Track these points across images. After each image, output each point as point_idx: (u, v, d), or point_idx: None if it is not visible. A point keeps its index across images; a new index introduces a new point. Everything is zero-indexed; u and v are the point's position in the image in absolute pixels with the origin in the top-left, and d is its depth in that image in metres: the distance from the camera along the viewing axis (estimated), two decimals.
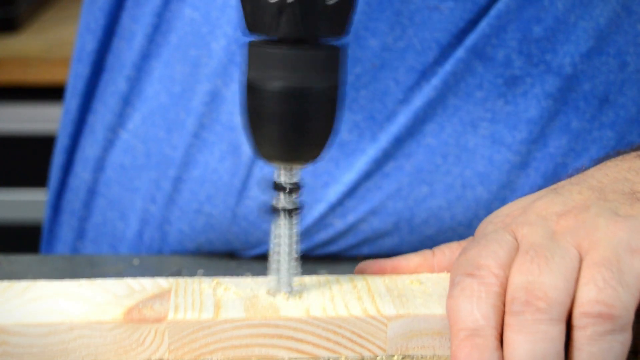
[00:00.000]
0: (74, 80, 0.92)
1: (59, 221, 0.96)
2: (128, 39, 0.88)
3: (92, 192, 0.91)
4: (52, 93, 1.75)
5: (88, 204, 0.92)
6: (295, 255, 0.65)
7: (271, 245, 0.66)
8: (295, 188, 0.64)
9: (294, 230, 0.65)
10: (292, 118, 0.61)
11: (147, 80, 0.87)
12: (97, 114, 0.90)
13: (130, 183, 0.88)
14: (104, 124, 0.89)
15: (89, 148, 0.91)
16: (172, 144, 0.86)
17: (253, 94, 0.62)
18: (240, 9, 0.62)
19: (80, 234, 0.93)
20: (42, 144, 1.74)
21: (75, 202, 0.93)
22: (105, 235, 0.91)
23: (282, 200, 0.65)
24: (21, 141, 1.84)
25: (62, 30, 1.88)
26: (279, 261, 0.65)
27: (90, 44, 0.90)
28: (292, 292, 0.65)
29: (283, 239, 0.65)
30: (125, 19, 0.88)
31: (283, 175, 0.64)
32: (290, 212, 0.65)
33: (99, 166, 0.90)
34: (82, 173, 0.92)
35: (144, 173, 0.87)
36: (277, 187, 0.64)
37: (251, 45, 0.62)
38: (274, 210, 0.65)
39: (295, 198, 0.65)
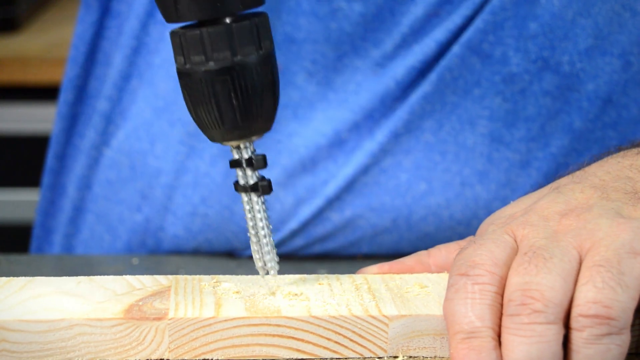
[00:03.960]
0: (61, 107, 0.93)
1: (49, 240, 0.96)
2: (108, 64, 0.89)
3: (78, 209, 0.92)
4: (52, 93, 1.73)
5: (75, 220, 0.92)
6: (263, 231, 0.64)
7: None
8: (250, 163, 0.63)
9: (257, 206, 0.64)
10: (228, 97, 0.60)
11: (130, 100, 0.88)
12: (81, 136, 0.92)
13: (116, 196, 0.89)
14: (89, 144, 0.90)
15: (75, 168, 0.92)
16: (155, 154, 0.87)
17: (184, 82, 0.61)
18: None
19: (68, 250, 0.93)
20: (42, 144, 1.73)
21: (62, 221, 0.93)
22: (92, 249, 0.91)
23: (241, 177, 0.64)
24: (21, 141, 1.84)
25: (62, 30, 1.88)
26: (250, 242, 0.65)
27: (71, 71, 0.91)
28: (269, 273, 0.64)
29: (248, 216, 0.64)
30: (105, 45, 0.90)
31: (236, 152, 0.63)
32: (251, 188, 0.64)
33: (85, 184, 0.91)
34: (68, 192, 0.92)
35: (130, 184, 0.88)
36: (233, 164, 0.64)
37: (172, 34, 0.61)
38: (236, 189, 0.64)
39: (252, 173, 0.64)
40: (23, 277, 0.65)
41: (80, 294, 0.63)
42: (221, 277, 0.67)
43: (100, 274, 0.78)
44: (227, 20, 0.60)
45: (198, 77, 0.61)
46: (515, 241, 0.62)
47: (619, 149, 0.70)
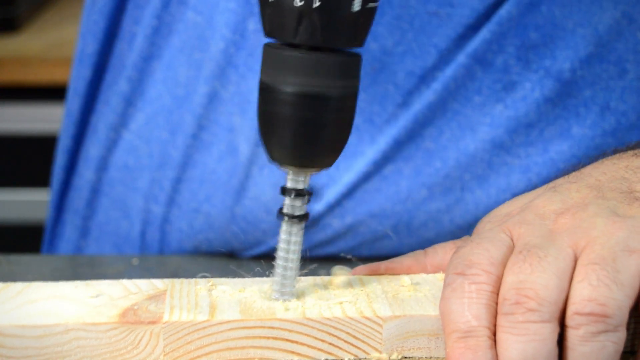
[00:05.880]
0: (76, 82, 0.92)
1: (62, 220, 0.96)
2: (129, 41, 0.88)
3: (95, 192, 0.91)
4: (52, 93, 1.75)
5: (92, 203, 0.92)
6: (293, 263, 0.65)
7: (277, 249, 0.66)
8: (302, 194, 0.63)
9: (295, 238, 0.64)
10: (306, 123, 0.60)
11: (148, 82, 0.87)
12: (99, 114, 0.91)
13: (133, 183, 0.89)
14: (107, 124, 0.89)
15: (92, 148, 0.91)
16: (175, 145, 0.86)
17: (267, 97, 0.61)
18: (260, 12, 0.61)
19: (84, 232, 0.93)
20: (42, 144, 1.74)
21: (79, 202, 0.93)
22: (108, 234, 0.91)
23: (287, 205, 0.64)
24: (21, 141, 1.84)
25: (62, 30, 1.88)
26: (276, 266, 0.65)
27: (91, 46, 0.90)
28: (284, 299, 0.64)
29: (282, 244, 0.64)
30: (126, 21, 0.88)
31: (291, 180, 0.63)
32: (293, 218, 0.64)
33: (103, 166, 0.90)
34: (85, 173, 0.92)
35: (147, 173, 0.88)
36: (284, 191, 0.64)
37: (268, 47, 0.61)
38: (279, 215, 0.64)
39: (301, 205, 0.64)
40: (20, 283, 0.66)
41: (77, 298, 0.64)
42: (217, 280, 0.67)
43: (101, 274, 0.78)
44: (322, 49, 0.60)
45: (282, 96, 0.60)
46: (512, 240, 0.62)
47: (614, 151, 0.71)
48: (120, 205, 0.90)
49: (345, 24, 0.59)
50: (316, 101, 0.60)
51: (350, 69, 0.61)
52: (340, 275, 0.68)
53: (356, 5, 0.59)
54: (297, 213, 0.64)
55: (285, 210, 0.64)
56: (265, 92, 0.61)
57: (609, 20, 0.80)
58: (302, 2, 0.58)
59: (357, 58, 0.61)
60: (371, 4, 0.60)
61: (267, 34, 0.61)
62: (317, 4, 0.58)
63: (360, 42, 0.61)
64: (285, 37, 0.60)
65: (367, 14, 0.60)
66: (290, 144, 0.61)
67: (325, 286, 0.66)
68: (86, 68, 0.91)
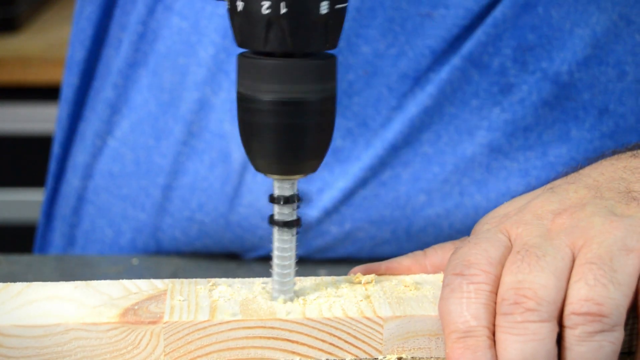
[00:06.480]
0: (65, 89, 0.92)
1: (51, 227, 0.96)
2: (115, 48, 0.88)
3: (81, 199, 0.91)
4: (52, 93, 1.74)
5: (77, 210, 0.92)
6: (289, 268, 0.64)
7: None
8: (291, 200, 0.63)
9: (288, 244, 0.64)
10: (286, 131, 0.60)
11: (134, 88, 0.87)
12: (86, 121, 0.91)
13: (119, 190, 0.88)
14: (93, 131, 0.89)
15: (79, 155, 0.91)
16: (161, 152, 0.86)
17: (245, 107, 0.61)
18: (230, 23, 0.61)
19: (71, 240, 0.93)
20: (42, 144, 1.74)
21: (65, 209, 0.93)
22: (94, 242, 0.91)
23: (277, 213, 0.64)
24: (21, 141, 1.84)
25: (62, 30, 1.89)
26: (273, 270, 0.65)
27: (79, 53, 0.90)
28: (284, 299, 0.64)
29: (276, 250, 0.64)
30: (113, 27, 0.88)
31: (278, 187, 0.63)
32: (284, 225, 0.64)
33: (88, 173, 0.90)
34: (72, 180, 0.92)
35: (133, 181, 0.87)
36: (272, 199, 0.64)
37: (241, 57, 0.61)
38: (270, 222, 0.64)
39: (291, 210, 0.64)
40: (20, 283, 0.66)
41: (77, 298, 0.64)
42: (217, 280, 0.67)
43: (101, 275, 0.78)
44: (299, 56, 0.60)
45: (261, 105, 0.60)
46: (510, 240, 0.63)
47: (613, 152, 0.71)
48: (105, 213, 0.90)
49: (314, 27, 0.59)
50: (295, 107, 0.60)
51: (326, 71, 0.61)
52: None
53: (324, 8, 0.59)
54: (287, 219, 0.64)
55: (275, 218, 0.64)
56: (244, 102, 0.61)
57: (607, 22, 0.80)
58: (270, 10, 0.58)
59: (332, 60, 0.61)
60: (339, 5, 0.60)
61: (240, 44, 0.61)
62: (284, 10, 0.58)
63: (333, 44, 0.61)
64: (257, 46, 0.60)
65: (337, 16, 0.60)
66: (273, 152, 0.61)
67: (326, 286, 0.66)
68: (74, 75, 0.91)
